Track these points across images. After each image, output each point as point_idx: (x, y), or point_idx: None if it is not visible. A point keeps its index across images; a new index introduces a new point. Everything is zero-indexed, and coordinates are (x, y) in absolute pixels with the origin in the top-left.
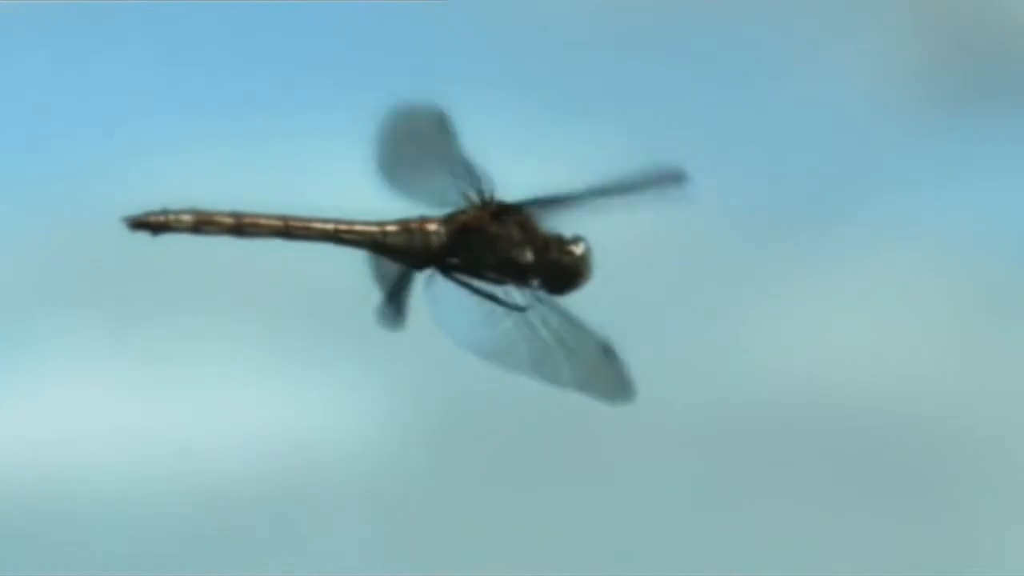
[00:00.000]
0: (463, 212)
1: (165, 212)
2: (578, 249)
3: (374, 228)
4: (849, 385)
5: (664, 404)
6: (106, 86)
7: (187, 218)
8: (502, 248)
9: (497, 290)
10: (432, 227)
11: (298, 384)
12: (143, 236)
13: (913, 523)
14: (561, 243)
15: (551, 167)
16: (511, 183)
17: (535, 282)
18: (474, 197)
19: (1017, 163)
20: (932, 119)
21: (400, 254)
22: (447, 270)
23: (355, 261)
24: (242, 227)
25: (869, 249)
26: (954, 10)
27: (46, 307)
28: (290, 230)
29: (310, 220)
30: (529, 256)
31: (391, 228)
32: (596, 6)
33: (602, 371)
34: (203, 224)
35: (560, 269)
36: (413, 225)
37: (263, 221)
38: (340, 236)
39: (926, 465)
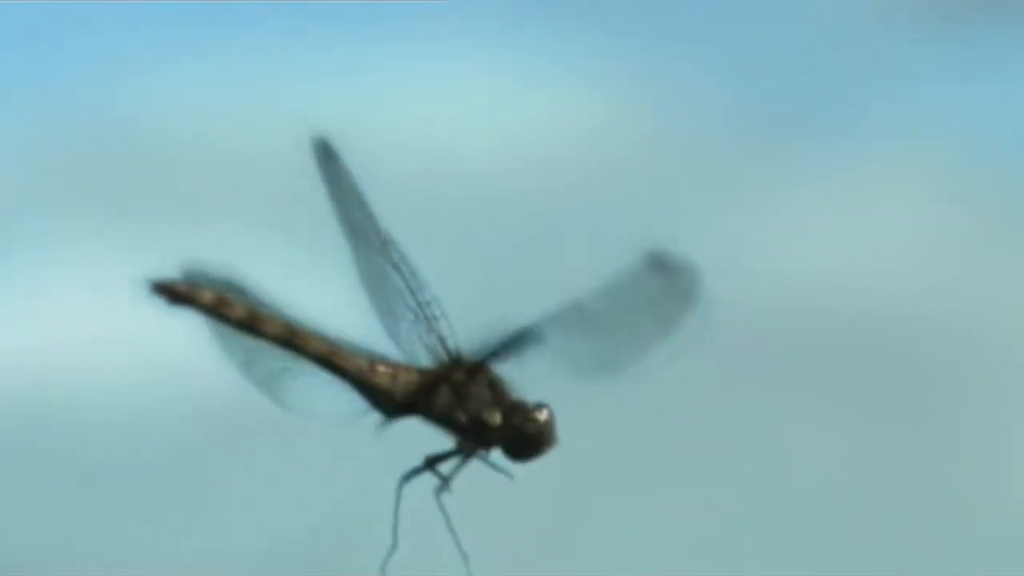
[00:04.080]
0: (438, 368)
1: (189, 282)
2: (541, 416)
3: (364, 363)
4: (849, 288)
5: None
6: None
7: (208, 296)
8: (472, 407)
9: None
10: (412, 376)
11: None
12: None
13: (912, 424)
14: (525, 410)
15: (545, 77)
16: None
17: (496, 447)
18: (439, 349)
19: (1019, 71)
20: (937, 24)
21: (376, 394)
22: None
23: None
24: (252, 324)
25: (871, 154)
26: None
27: (45, 209)
28: (290, 339)
29: (312, 336)
30: (497, 418)
31: (381, 368)
32: None
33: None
34: (220, 306)
35: (523, 437)
36: (401, 370)
37: (271, 325)
38: (331, 362)
39: (928, 368)
